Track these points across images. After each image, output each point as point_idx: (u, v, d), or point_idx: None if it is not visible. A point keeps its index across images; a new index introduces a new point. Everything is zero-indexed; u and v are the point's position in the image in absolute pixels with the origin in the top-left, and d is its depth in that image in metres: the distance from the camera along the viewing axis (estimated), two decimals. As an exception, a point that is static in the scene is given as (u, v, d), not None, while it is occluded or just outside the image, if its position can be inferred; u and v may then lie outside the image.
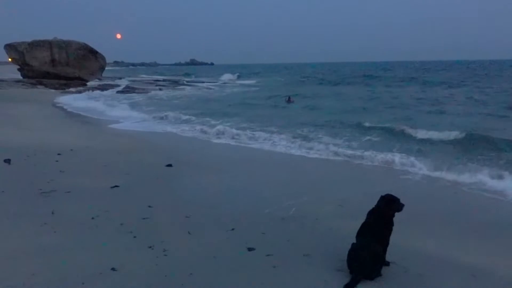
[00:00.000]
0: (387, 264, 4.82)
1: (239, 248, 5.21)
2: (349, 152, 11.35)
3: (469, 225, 6.26)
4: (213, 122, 17.41)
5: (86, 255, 4.73)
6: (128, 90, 35.28)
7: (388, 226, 4.76)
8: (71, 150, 11.03)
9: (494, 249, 5.40)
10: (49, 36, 40.98)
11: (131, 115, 20.21)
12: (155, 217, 6.17)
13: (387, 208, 4.76)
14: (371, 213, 4.84)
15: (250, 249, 5.20)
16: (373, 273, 4.56)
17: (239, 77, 58.01)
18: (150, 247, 5.07)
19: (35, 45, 39.81)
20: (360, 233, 4.79)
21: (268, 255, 5.02)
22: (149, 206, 6.64)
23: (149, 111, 22.22)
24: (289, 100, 21.13)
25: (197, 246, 5.21)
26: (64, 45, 40.72)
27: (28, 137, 12.72)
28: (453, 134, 12.36)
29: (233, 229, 5.82)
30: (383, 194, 4.85)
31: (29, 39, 40.04)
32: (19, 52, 39.40)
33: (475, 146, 11.44)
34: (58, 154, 10.32)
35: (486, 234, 5.92)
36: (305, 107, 22.77)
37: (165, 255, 4.90)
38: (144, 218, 6.07)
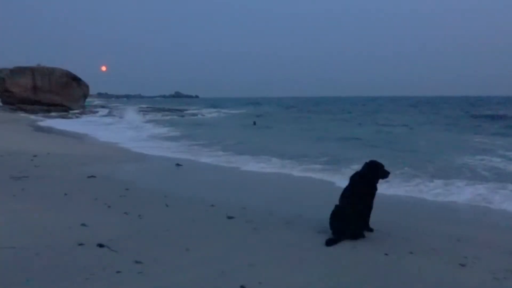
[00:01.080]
0: (371, 230, 4.70)
1: (219, 216, 5.04)
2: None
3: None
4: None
5: (56, 216, 4.50)
6: (111, 115, 35.03)
7: (371, 191, 4.70)
8: (48, 153, 10.75)
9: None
10: (32, 63, 40.84)
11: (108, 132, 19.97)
12: (132, 195, 5.97)
13: (371, 173, 4.72)
14: (354, 177, 4.78)
15: (229, 217, 5.03)
16: (356, 233, 4.44)
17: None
18: (125, 213, 4.87)
19: (17, 71, 39.49)
20: (343, 196, 4.70)
21: (248, 221, 4.87)
22: (126, 189, 6.42)
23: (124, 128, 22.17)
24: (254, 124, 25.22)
25: (174, 214, 5.02)
26: (47, 72, 40.51)
27: (5, 144, 12.36)
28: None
29: (212, 205, 5.65)
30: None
31: (11, 65, 39.76)
32: (0, 78, 38.96)
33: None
34: (34, 156, 10.01)
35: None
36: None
37: (140, 218, 4.69)
38: (121, 196, 5.86)
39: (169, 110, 45.48)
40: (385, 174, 4.80)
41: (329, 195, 5.40)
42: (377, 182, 4.77)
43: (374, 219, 4.66)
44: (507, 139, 15.49)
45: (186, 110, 47.36)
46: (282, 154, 11.37)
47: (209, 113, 42.95)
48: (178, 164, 9.40)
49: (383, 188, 5.66)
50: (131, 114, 33.98)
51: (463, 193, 6.91)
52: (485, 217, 5.81)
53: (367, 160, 4.86)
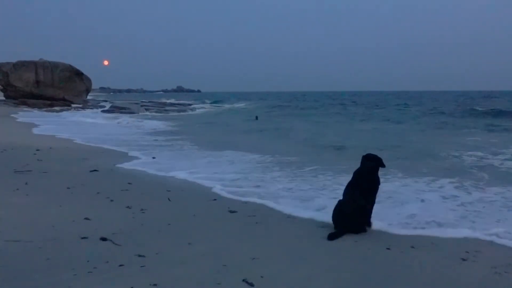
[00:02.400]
0: (370, 224, 4.70)
1: (221, 210, 5.07)
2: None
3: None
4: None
5: (59, 210, 4.53)
6: (113, 109, 35.03)
7: (374, 184, 4.69)
8: (50, 148, 10.78)
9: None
10: (34, 58, 40.83)
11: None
12: (134, 189, 5.99)
13: (371, 165, 4.72)
14: (356, 173, 4.78)
15: (231, 212, 5.05)
16: (359, 227, 4.45)
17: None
18: (127, 207, 4.89)
19: (20, 65, 39.53)
20: (347, 191, 4.70)
21: (250, 216, 4.89)
22: (129, 183, 6.44)
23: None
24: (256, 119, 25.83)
25: (177, 209, 5.05)
26: (49, 66, 40.54)
27: (7, 137, 12.41)
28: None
29: (215, 200, 5.67)
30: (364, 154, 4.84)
31: (13, 60, 39.79)
32: (3, 73, 39.00)
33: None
34: (37, 150, 10.05)
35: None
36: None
37: (143, 212, 4.72)
38: (123, 190, 5.88)
39: (171, 104, 45.44)
40: (382, 164, 4.82)
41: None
42: (377, 172, 4.76)
43: (375, 213, 4.67)
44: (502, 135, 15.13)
45: (189, 104, 47.29)
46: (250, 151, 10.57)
47: (211, 108, 42.91)
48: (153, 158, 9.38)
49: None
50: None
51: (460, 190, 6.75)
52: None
53: (364, 154, 4.86)
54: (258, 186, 6.49)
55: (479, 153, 10.14)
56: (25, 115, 25.01)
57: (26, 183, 5.86)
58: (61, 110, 33.65)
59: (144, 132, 16.95)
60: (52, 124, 18.84)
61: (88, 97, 47.69)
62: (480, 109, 29.41)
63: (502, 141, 12.85)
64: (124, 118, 25.35)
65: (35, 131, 15.40)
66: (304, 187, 6.45)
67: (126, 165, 8.24)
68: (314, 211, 5.15)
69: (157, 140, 13.59)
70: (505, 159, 9.28)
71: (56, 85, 40.49)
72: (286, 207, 5.31)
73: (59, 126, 17.71)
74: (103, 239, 3.75)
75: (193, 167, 8.14)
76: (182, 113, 34.97)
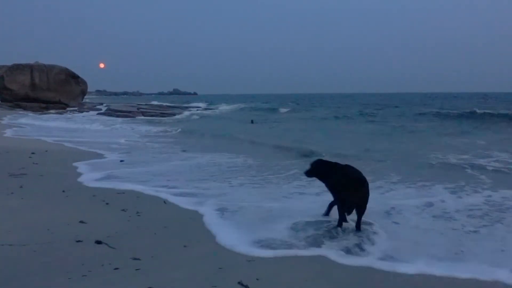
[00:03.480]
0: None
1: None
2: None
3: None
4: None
5: (54, 213, 4.51)
6: (109, 112, 34.93)
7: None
8: (46, 151, 10.74)
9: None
10: (30, 61, 40.72)
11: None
12: (130, 192, 5.96)
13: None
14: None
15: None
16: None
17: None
18: (123, 210, 4.87)
19: (15, 68, 39.35)
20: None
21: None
22: (125, 186, 6.42)
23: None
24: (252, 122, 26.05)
25: (172, 211, 5.03)
26: (45, 69, 40.39)
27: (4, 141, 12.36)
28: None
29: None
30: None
31: (9, 62, 39.63)
32: (-2, 76, 38.79)
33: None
34: (32, 153, 10.01)
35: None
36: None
37: (138, 215, 4.70)
38: (118, 193, 5.86)
39: (167, 107, 45.37)
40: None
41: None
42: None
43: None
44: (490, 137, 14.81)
45: (185, 107, 47.21)
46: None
47: (207, 111, 42.84)
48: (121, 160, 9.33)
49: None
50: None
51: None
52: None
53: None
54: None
55: (466, 156, 9.98)
56: (13, 117, 24.88)
57: (21, 187, 5.83)
58: (57, 113, 33.56)
59: (135, 135, 16.89)
60: (33, 127, 18.83)
61: (84, 100, 47.59)
62: (470, 110, 29.43)
63: (489, 142, 12.82)
64: (120, 123, 25.34)
65: (8, 133, 15.27)
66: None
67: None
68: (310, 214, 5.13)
69: (140, 143, 13.62)
70: (493, 161, 9.27)
71: (52, 88, 40.36)
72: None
73: (36, 129, 17.66)
74: (98, 242, 3.73)
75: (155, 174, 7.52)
76: (176, 116, 34.89)
